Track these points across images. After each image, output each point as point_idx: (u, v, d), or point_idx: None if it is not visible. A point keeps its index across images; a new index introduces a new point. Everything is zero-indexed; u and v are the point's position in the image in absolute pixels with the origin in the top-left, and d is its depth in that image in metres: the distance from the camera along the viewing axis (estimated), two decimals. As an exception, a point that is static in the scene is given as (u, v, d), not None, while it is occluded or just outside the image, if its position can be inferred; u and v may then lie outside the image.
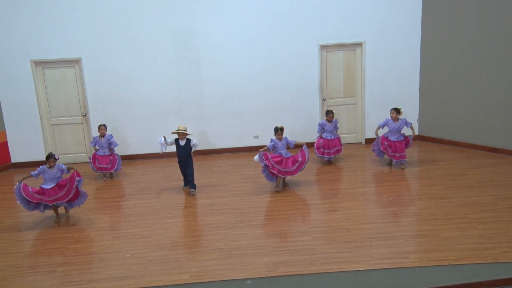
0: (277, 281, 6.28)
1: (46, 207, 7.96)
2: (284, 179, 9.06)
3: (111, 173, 10.01)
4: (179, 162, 9.02)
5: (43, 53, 10.42)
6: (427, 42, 10.83)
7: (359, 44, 10.91)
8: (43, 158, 10.80)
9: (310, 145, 11.17)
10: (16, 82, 10.48)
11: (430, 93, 11.02)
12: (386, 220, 7.71)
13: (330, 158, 10.06)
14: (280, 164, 8.71)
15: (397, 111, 9.49)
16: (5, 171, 10.75)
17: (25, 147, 10.79)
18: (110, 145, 9.88)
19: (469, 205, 8.01)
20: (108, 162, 9.82)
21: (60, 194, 7.83)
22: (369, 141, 11.11)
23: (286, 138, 8.93)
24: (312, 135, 11.19)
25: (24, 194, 7.67)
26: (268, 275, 6.37)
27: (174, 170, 9.66)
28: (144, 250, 7.12)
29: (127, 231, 7.79)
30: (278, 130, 8.82)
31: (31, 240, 7.58)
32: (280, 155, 8.76)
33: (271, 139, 8.88)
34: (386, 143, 9.61)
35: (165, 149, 8.97)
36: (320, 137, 10.04)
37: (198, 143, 9.07)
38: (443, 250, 6.70)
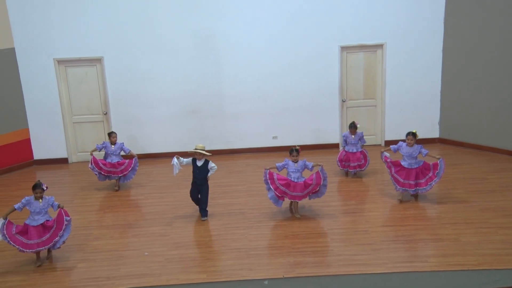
0: (294, 282, 6.26)
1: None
2: (296, 204, 8.03)
3: (118, 179, 9.35)
4: (193, 184, 8.02)
5: (66, 52, 10.57)
6: (449, 44, 10.70)
7: (380, 46, 10.83)
8: (65, 155, 11.03)
9: (330, 145, 11.20)
10: (39, 81, 10.65)
11: (451, 96, 10.88)
12: (405, 223, 7.63)
13: (351, 171, 9.43)
14: (287, 187, 7.76)
15: (414, 136, 8.16)
16: (27, 167, 10.93)
17: (47, 145, 10.96)
18: (124, 151, 9.38)
19: (490, 209, 7.89)
20: (117, 166, 9.21)
21: (44, 238, 6.73)
22: (388, 143, 11.00)
23: (304, 161, 7.84)
24: (330, 137, 11.17)
25: (6, 234, 6.62)
26: (285, 276, 6.36)
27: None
28: (162, 248, 7.18)
29: (146, 229, 7.85)
30: (293, 151, 7.78)
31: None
32: (289, 178, 7.79)
33: (285, 160, 7.91)
34: (394, 170, 8.22)
35: (178, 171, 7.92)
36: (343, 149, 9.46)
37: (216, 167, 7.98)
38: (463, 255, 6.61)
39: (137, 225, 8.08)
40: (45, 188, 6.84)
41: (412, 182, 8.12)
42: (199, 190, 8.01)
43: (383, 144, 11.29)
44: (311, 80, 10.90)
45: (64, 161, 11.06)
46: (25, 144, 10.88)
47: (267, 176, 7.81)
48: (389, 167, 8.28)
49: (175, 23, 10.58)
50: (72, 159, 11.14)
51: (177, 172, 7.97)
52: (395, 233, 7.35)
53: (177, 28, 10.60)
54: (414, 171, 8.12)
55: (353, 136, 9.33)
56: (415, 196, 8.41)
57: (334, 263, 6.59)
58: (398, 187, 8.21)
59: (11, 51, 10.43)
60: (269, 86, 10.92)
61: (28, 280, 6.52)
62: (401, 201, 8.32)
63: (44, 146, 10.97)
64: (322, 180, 7.78)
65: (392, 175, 8.24)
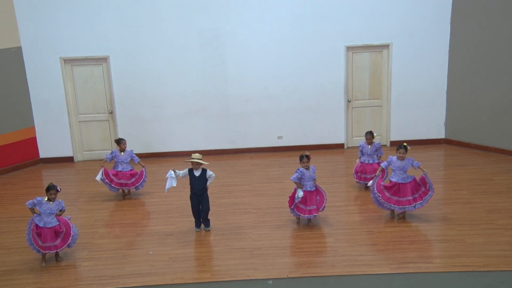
0: (298, 282, 6.26)
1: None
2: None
3: (129, 191, 9.10)
4: (192, 196, 7.62)
5: (72, 51, 10.60)
6: (455, 44, 10.65)
7: (386, 46, 10.80)
8: (70, 154, 11.07)
9: (335, 146, 11.18)
10: (46, 79, 10.69)
11: (457, 96, 10.84)
12: (410, 224, 7.61)
13: (367, 183, 8.47)
14: (304, 203, 7.53)
15: (405, 149, 7.56)
16: (33, 166, 10.98)
17: (53, 143, 10.99)
18: (133, 160, 8.97)
19: (496, 211, 7.86)
20: (129, 177, 8.90)
21: (57, 242, 6.77)
22: (394, 143, 10.96)
23: (313, 166, 7.60)
24: (336, 137, 11.15)
25: (30, 229, 6.73)
26: (289, 276, 6.36)
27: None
28: (167, 247, 7.19)
29: (151, 228, 7.87)
30: (304, 158, 7.42)
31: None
32: (305, 190, 7.49)
33: (297, 170, 7.50)
34: (387, 193, 7.63)
35: (174, 184, 7.53)
36: (360, 161, 8.86)
37: (215, 175, 7.61)
38: (469, 256, 6.59)
39: (141, 224, 8.11)
40: (59, 190, 6.81)
41: (410, 198, 7.54)
42: (200, 202, 7.60)
43: (388, 144, 11.25)
44: (316, 80, 10.89)
45: (69, 159, 11.10)
46: (31, 143, 10.93)
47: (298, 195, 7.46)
48: (381, 191, 7.60)
49: (181, 22, 10.59)
50: (78, 157, 11.18)
51: (172, 186, 7.54)
52: (399, 233, 7.33)
53: (183, 28, 10.61)
54: (409, 185, 7.56)
55: (369, 147, 8.71)
56: (403, 214, 7.77)
57: (338, 263, 6.58)
58: (397, 207, 7.58)
59: (18, 50, 10.48)
60: (274, 86, 10.91)
61: (33, 278, 6.55)
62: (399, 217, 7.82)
63: (50, 145, 11.01)
64: (324, 194, 7.66)
65: (388, 198, 7.59)
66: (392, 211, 7.79)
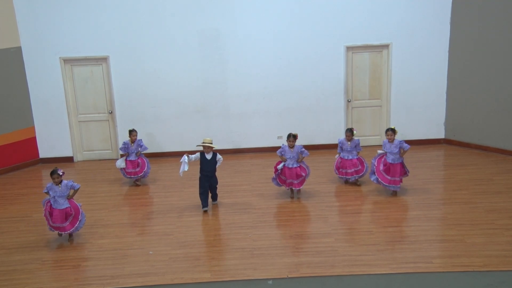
0: (298, 282, 6.26)
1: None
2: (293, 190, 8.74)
3: (139, 179, 9.65)
4: (202, 178, 8.28)
5: (72, 51, 10.60)
6: (455, 44, 10.65)
7: (386, 46, 10.80)
8: (70, 154, 11.07)
9: (334, 146, 11.17)
10: (46, 79, 10.69)
11: (457, 96, 10.84)
12: (410, 224, 7.62)
13: (349, 178, 9.07)
14: (284, 176, 8.53)
15: (393, 131, 8.42)
16: (33, 166, 10.97)
17: (53, 143, 11.00)
18: (140, 148, 9.58)
19: (496, 211, 7.86)
20: (136, 166, 9.48)
21: (65, 224, 7.32)
22: (394, 143, 10.97)
23: (300, 146, 8.52)
24: (335, 137, 11.11)
25: (45, 210, 7.36)
26: (289, 276, 6.36)
27: (197, 168, 9.70)
28: (166, 247, 7.19)
29: (150, 228, 7.87)
30: (290, 137, 8.44)
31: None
32: (284, 165, 8.47)
33: (282, 145, 8.63)
34: (382, 167, 8.53)
35: (186, 169, 8.16)
36: (339, 156, 9.22)
37: (222, 158, 8.47)
38: (468, 256, 6.59)
39: (141, 224, 8.11)
40: (61, 173, 7.29)
41: (397, 179, 8.46)
42: (210, 182, 8.34)
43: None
44: (316, 80, 10.89)
45: (69, 159, 11.10)
46: (31, 143, 10.93)
47: (275, 174, 8.59)
48: (378, 163, 8.55)
49: (181, 22, 10.59)
50: (78, 157, 11.18)
51: (184, 170, 8.14)
52: (399, 233, 7.33)
53: (183, 28, 10.61)
54: (398, 166, 8.42)
55: (349, 143, 9.02)
56: (395, 193, 8.63)
57: (338, 263, 6.58)
58: (384, 184, 8.52)
59: (18, 50, 10.48)
60: (274, 86, 10.92)
61: (33, 278, 6.55)
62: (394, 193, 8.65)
63: (49, 145, 11.01)
64: (307, 170, 8.59)
65: (379, 172, 8.52)
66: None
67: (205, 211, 8.28)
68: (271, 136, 11.19)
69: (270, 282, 6.29)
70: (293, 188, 8.63)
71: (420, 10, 10.58)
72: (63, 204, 7.28)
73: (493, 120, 10.41)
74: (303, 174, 8.52)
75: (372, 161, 8.72)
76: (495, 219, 7.56)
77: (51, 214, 7.27)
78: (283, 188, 8.93)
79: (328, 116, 11.09)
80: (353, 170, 9.01)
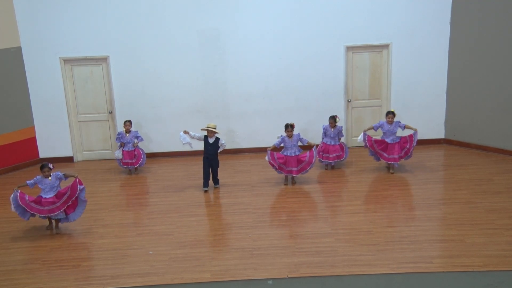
0: (298, 282, 6.26)
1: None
2: (292, 176, 9.26)
3: (135, 168, 10.20)
4: (204, 159, 9.07)
5: (72, 51, 10.59)
6: (455, 44, 10.65)
7: (386, 46, 10.80)
8: (70, 154, 11.07)
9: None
10: (45, 79, 10.68)
11: (457, 96, 10.84)
12: (410, 224, 7.62)
13: (330, 162, 9.85)
14: (285, 164, 9.04)
15: (393, 114, 9.55)
16: (33, 166, 10.95)
17: (53, 143, 10.99)
18: (137, 139, 10.12)
19: (496, 211, 7.86)
20: (133, 157, 9.98)
21: (58, 204, 7.45)
22: (394, 143, 10.97)
23: (298, 134, 9.17)
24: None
25: (20, 202, 7.40)
26: (289, 276, 6.36)
27: (197, 168, 9.70)
28: (166, 247, 7.19)
29: (150, 228, 7.87)
30: (288, 127, 9.03)
31: (57, 235, 7.72)
32: (286, 155, 9.05)
33: (280, 136, 9.13)
34: (377, 145, 9.56)
35: (189, 140, 9.06)
36: (322, 142, 9.97)
37: (226, 143, 9.22)
38: (468, 256, 6.59)
39: (141, 224, 8.11)
40: (51, 167, 7.55)
41: (396, 156, 9.40)
42: (211, 165, 9.04)
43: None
44: (316, 80, 10.88)
45: (69, 159, 11.09)
46: (31, 143, 10.93)
47: (270, 157, 9.01)
48: (372, 146, 9.49)
49: (181, 22, 10.59)
50: (78, 157, 11.17)
51: (187, 141, 9.01)
52: (399, 233, 7.33)
53: (183, 28, 10.61)
54: (397, 145, 9.40)
55: (332, 130, 9.78)
56: (392, 167, 9.58)
57: (338, 263, 6.58)
58: (384, 160, 9.54)
59: (18, 50, 10.47)
60: (274, 86, 10.91)
61: (33, 278, 6.55)
62: (391, 172, 9.55)
63: (49, 145, 11.00)
64: (313, 159, 9.00)
65: (377, 152, 9.51)
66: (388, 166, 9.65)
67: (205, 191, 9.04)
68: (271, 136, 11.13)
69: (270, 282, 6.29)
70: (292, 175, 9.12)
71: (420, 10, 10.58)
72: (51, 194, 7.48)
73: (493, 120, 10.40)
74: (304, 160, 9.02)
75: (365, 142, 9.51)
76: (495, 219, 7.56)
77: (37, 202, 7.39)
78: (283, 187, 8.94)
79: (328, 116, 11.02)
80: (334, 155, 9.77)
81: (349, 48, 10.80)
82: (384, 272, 6.35)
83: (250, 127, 11.11)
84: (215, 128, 8.98)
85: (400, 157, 9.47)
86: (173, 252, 7.04)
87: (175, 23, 10.58)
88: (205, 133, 9.07)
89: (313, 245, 7.08)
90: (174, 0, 10.49)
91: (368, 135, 9.58)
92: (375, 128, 9.67)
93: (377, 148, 9.53)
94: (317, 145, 9.11)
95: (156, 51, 10.68)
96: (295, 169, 9.05)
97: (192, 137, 9.05)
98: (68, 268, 6.78)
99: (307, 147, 9.27)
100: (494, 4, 9.98)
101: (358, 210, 8.21)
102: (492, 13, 10.03)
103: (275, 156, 9.05)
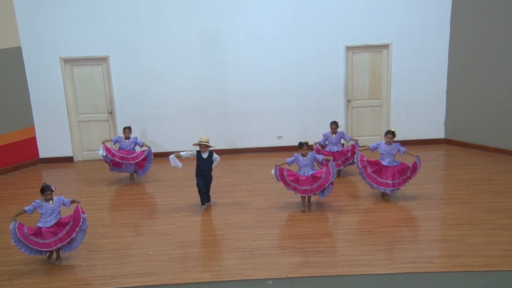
0: (298, 282, 6.26)
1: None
2: (309, 198, 8.27)
3: (134, 173, 9.65)
4: (198, 175, 8.33)
5: (72, 51, 10.60)
6: (455, 44, 10.65)
7: (386, 46, 10.80)
8: (70, 154, 11.06)
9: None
10: (45, 79, 10.68)
11: (457, 96, 10.84)
12: (410, 224, 7.62)
13: (340, 169, 9.37)
14: (296, 183, 7.98)
15: (392, 134, 8.27)
16: (33, 166, 10.97)
17: (53, 143, 10.99)
18: (138, 144, 9.67)
19: (496, 210, 7.86)
20: (131, 153, 9.49)
21: (60, 235, 6.67)
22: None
23: (313, 153, 8.14)
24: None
25: (19, 236, 6.55)
26: (289, 276, 6.36)
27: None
28: (166, 247, 7.19)
29: (150, 228, 7.87)
30: (303, 145, 7.98)
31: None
32: (298, 173, 8.01)
33: (294, 154, 8.14)
34: (369, 169, 8.28)
35: (179, 163, 8.38)
36: (324, 149, 9.37)
37: (219, 158, 8.43)
38: (468, 256, 6.59)
39: (141, 224, 8.11)
40: (54, 189, 6.74)
41: (389, 182, 8.17)
42: (204, 181, 8.37)
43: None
44: (316, 80, 10.89)
45: (69, 159, 11.10)
46: (31, 143, 10.93)
47: (277, 173, 8.07)
48: (364, 166, 8.29)
49: (181, 22, 10.59)
50: (78, 157, 11.18)
51: (176, 164, 8.37)
52: (399, 233, 7.33)
53: (183, 28, 10.61)
54: (392, 169, 8.19)
55: (334, 136, 9.38)
56: (385, 195, 8.42)
57: (338, 263, 6.58)
58: (375, 185, 8.28)
59: (18, 50, 10.47)
60: (274, 86, 10.91)
61: (33, 278, 6.55)
62: (385, 198, 8.45)
63: (49, 145, 11.00)
64: (331, 175, 7.85)
65: (368, 175, 8.29)
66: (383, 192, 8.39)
67: (202, 208, 8.42)
68: (271, 136, 11.19)
69: (270, 282, 6.29)
70: (308, 195, 8.05)
71: (420, 10, 10.58)
72: (52, 221, 6.69)
73: (493, 120, 10.40)
74: (320, 176, 7.88)
75: (358, 162, 8.36)
76: (495, 219, 7.56)
77: (36, 234, 6.59)
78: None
79: (328, 116, 11.02)
80: (341, 160, 9.28)
81: (349, 48, 10.80)
82: (384, 272, 6.35)
83: (250, 127, 11.11)
84: (208, 142, 8.23)
85: (395, 185, 8.18)
86: (173, 252, 7.03)
87: (175, 23, 10.58)
88: (197, 148, 8.31)
89: (313, 245, 7.08)
90: (174, 0, 10.49)
91: (361, 155, 8.39)
92: (371, 149, 8.42)
93: (370, 170, 8.28)
94: (332, 160, 8.00)
95: (156, 51, 10.69)
96: (311, 187, 7.93)
97: (186, 158, 8.39)
98: (68, 268, 6.78)
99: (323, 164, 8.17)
100: (494, 4, 9.99)
101: (358, 210, 8.20)
102: (492, 13, 10.03)
103: (285, 173, 8.02)
